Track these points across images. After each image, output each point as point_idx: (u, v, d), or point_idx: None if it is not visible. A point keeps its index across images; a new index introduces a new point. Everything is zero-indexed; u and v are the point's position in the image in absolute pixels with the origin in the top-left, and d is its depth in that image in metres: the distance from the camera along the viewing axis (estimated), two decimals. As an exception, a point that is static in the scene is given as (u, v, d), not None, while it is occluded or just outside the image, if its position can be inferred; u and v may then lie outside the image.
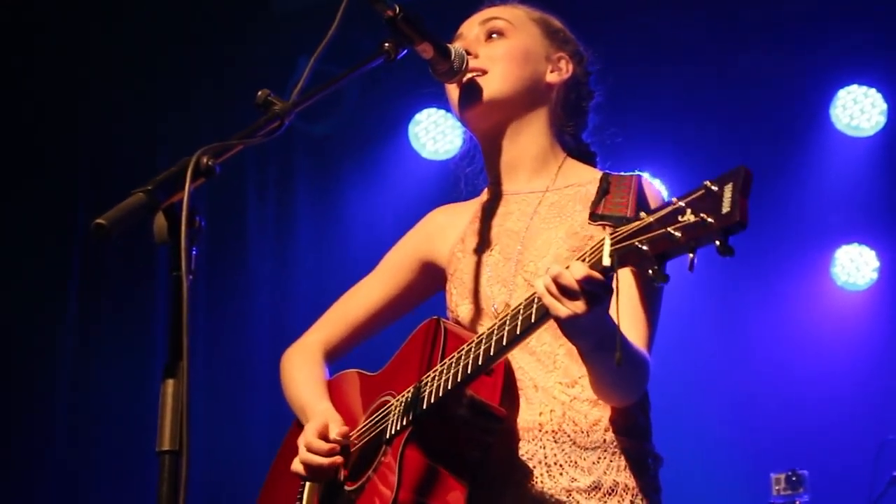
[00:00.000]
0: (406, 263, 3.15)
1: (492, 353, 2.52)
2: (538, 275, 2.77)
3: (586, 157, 3.05)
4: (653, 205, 2.46)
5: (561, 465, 2.68)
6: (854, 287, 6.50)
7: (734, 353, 6.42)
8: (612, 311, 2.40)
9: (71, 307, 6.38)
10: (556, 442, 2.69)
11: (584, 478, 2.67)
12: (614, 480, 2.68)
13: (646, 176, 6.70)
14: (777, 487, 5.76)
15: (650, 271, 2.18)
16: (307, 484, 3.00)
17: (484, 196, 3.06)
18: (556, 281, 2.33)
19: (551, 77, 2.98)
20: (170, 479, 1.99)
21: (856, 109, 6.47)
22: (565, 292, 2.33)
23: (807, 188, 6.40)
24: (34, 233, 6.27)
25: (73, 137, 6.54)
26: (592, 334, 2.44)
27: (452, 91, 2.95)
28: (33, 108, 6.35)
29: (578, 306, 2.33)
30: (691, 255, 2.13)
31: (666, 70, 6.41)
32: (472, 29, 3.00)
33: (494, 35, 2.97)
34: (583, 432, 2.70)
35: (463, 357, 2.58)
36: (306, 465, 2.85)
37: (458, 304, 2.91)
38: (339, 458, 2.84)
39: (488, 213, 2.98)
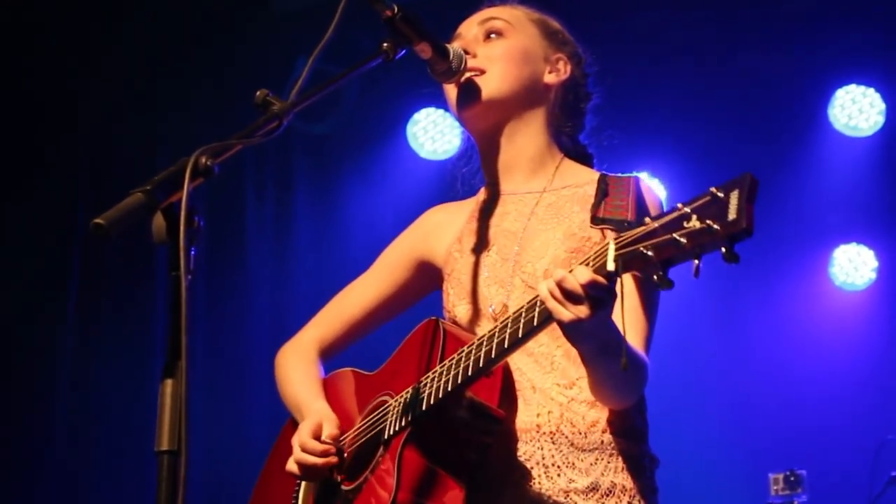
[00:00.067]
0: (402, 262, 3.15)
1: (493, 356, 2.52)
2: (536, 276, 2.78)
3: (583, 159, 3.05)
4: (651, 208, 2.48)
5: (559, 467, 2.68)
6: (852, 287, 6.49)
7: (732, 353, 6.42)
8: (615, 315, 2.41)
9: (71, 307, 6.38)
10: (553, 443, 2.70)
11: (581, 479, 2.67)
12: (612, 481, 2.68)
13: (644, 177, 6.75)
14: (775, 487, 5.76)
15: (655, 277, 2.18)
16: (302, 483, 3.00)
17: (481, 195, 3.05)
18: (559, 285, 2.34)
19: (549, 78, 2.99)
20: (168, 478, 2.00)
21: (854, 109, 6.46)
22: (569, 296, 2.33)
23: (805, 188, 6.40)
24: (34, 233, 6.27)
25: (73, 137, 6.54)
26: (595, 338, 2.45)
27: (450, 91, 2.95)
28: (33, 108, 6.35)
29: (582, 310, 2.33)
30: (696, 261, 2.13)
31: (664, 70, 6.41)
32: (470, 29, 3.00)
33: (493, 35, 2.97)
34: (580, 433, 2.70)
35: (463, 359, 2.58)
36: (301, 465, 2.86)
37: (455, 305, 2.91)
38: (333, 459, 2.84)
39: (485, 213, 2.98)
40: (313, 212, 6.82)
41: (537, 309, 2.44)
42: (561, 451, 2.69)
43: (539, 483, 2.68)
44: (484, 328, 2.80)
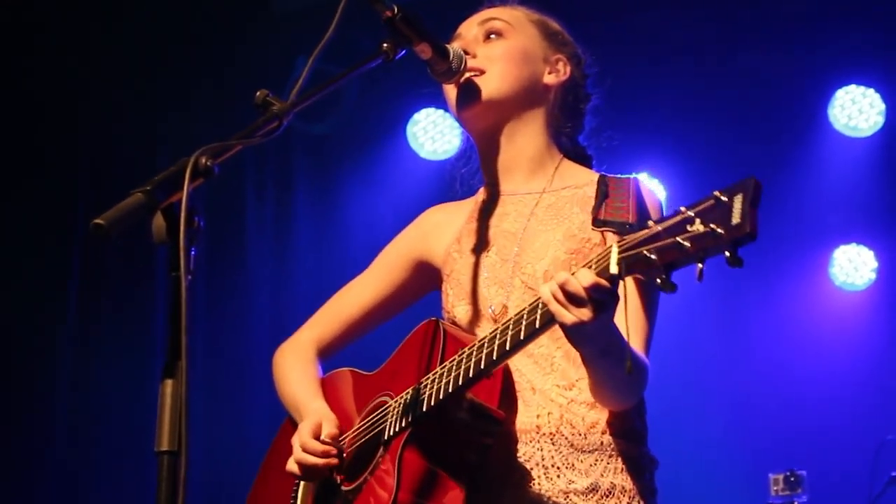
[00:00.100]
0: (401, 262, 3.15)
1: (494, 358, 2.52)
2: (536, 277, 2.79)
3: (582, 159, 3.05)
4: (651, 209, 2.48)
5: (558, 468, 2.68)
6: (852, 287, 6.49)
7: (732, 353, 6.42)
8: (617, 318, 2.42)
9: (71, 307, 6.38)
10: (553, 444, 2.70)
11: (581, 480, 2.68)
12: (611, 482, 2.69)
13: (644, 177, 6.73)
14: (775, 488, 5.76)
15: (658, 280, 2.18)
16: (301, 483, 3.00)
17: (480, 196, 3.05)
18: (562, 288, 2.34)
19: (549, 78, 2.99)
20: (169, 479, 2.00)
21: (854, 110, 6.46)
22: (572, 299, 2.34)
23: (805, 188, 6.39)
24: (34, 233, 6.27)
25: (73, 137, 6.54)
26: (597, 341, 2.45)
27: (450, 91, 2.95)
28: (33, 108, 6.34)
29: (585, 313, 2.33)
30: (700, 265, 2.13)
31: (664, 70, 6.41)
32: (470, 29, 3.01)
33: (493, 35, 2.98)
34: (580, 435, 2.71)
35: (464, 360, 2.58)
36: (301, 465, 2.86)
37: (455, 305, 2.91)
38: (334, 460, 2.84)
39: (485, 213, 2.98)
40: (313, 212, 6.82)
41: (539, 311, 2.43)
42: (561, 453, 2.69)
43: (539, 484, 2.68)
44: (483, 329, 2.81)
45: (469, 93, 2.91)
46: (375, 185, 6.74)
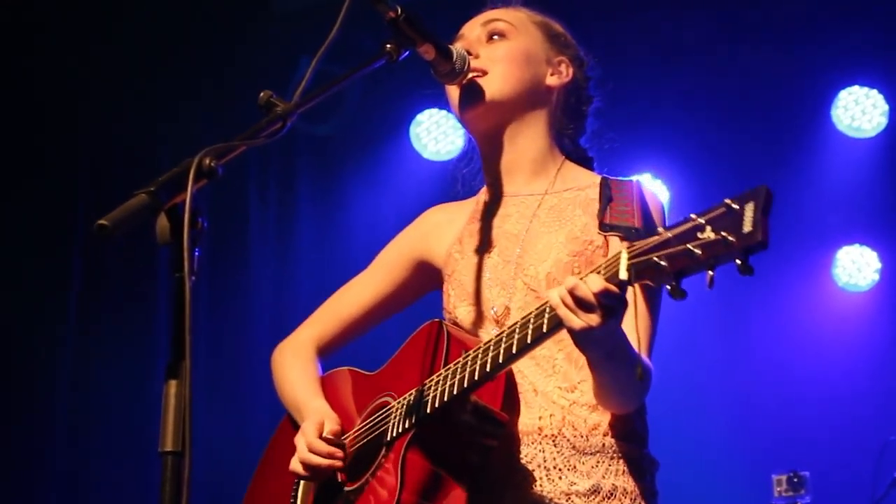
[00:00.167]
0: (401, 262, 3.15)
1: (500, 361, 2.52)
2: (538, 279, 2.79)
3: (584, 161, 3.05)
4: (654, 213, 2.51)
5: (560, 469, 2.68)
6: (855, 288, 6.49)
7: (735, 354, 6.42)
8: (624, 323, 2.42)
9: (71, 307, 6.37)
10: (555, 446, 2.70)
11: (583, 481, 2.68)
12: (613, 484, 2.69)
13: (647, 178, 6.72)
14: (778, 489, 5.77)
15: (668, 287, 2.18)
16: (301, 483, 2.99)
17: (481, 196, 3.06)
18: (571, 293, 2.34)
19: (551, 80, 2.99)
20: (172, 479, 2.00)
21: (857, 110, 6.46)
22: (581, 304, 2.34)
23: (808, 189, 6.39)
24: (34, 233, 6.27)
25: (73, 137, 6.54)
26: (604, 346, 2.46)
27: (453, 92, 2.95)
28: (33, 108, 6.34)
29: (593, 319, 2.33)
30: (711, 272, 2.12)
31: (667, 71, 6.42)
32: (473, 30, 3.01)
33: (496, 36, 2.98)
34: (582, 437, 2.71)
35: (469, 363, 2.58)
36: (306, 465, 2.85)
37: (456, 306, 2.90)
38: (339, 462, 2.84)
39: (486, 214, 2.98)
40: (316, 212, 6.82)
41: (546, 315, 2.43)
42: (562, 454, 2.69)
43: (540, 485, 2.68)
44: (485, 330, 2.81)
45: (472, 94, 2.91)
46: (378, 185, 6.74)
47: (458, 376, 2.58)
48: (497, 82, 2.90)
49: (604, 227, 2.39)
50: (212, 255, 6.24)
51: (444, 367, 2.65)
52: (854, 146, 6.51)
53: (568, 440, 2.70)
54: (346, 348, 3.23)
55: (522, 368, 2.73)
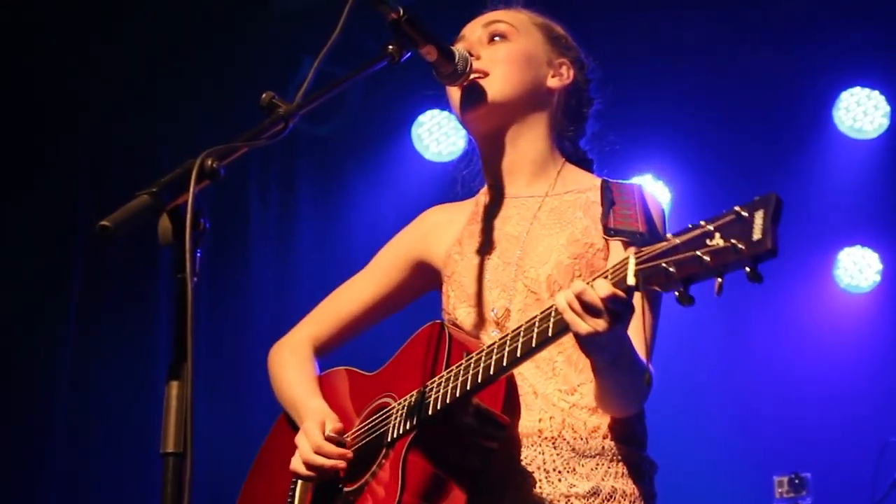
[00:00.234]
0: (399, 262, 3.14)
1: (504, 364, 2.52)
2: (539, 281, 2.79)
3: (584, 163, 3.05)
4: (656, 218, 2.53)
5: (559, 472, 2.69)
6: (857, 289, 6.49)
7: (737, 355, 6.42)
8: (629, 328, 2.43)
9: (72, 307, 6.37)
10: (555, 448, 2.70)
11: (582, 484, 2.68)
12: (612, 486, 2.69)
13: (648, 179, 6.71)
14: (780, 490, 5.78)
15: (676, 293, 2.18)
16: (299, 482, 2.98)
17: (480, 197, 3.06)
18: (579, 297, 2.34)
19: (552, 82, 2.99)
20: (174, 480, 2.00)
21: (859, 112, 6.47)
22: (588, 309, 2.34)
23: (809, 190, 6.39)
24: (35, 233, 6.26)
25: (73, 137, 6.53)
26: (609, 351, 2.46)
27: (454, 93, 2.95)
28: (33, 108, 6.34)
29: (600, 324, 2.34)
30: (719, 279, 2.12)
31: (668, 72, 6.42)
32: (474, 31, 3.01)
33: (497, 38, 2.98)
34: (582, 439, 2.71)
35: (472, 365, 2.57)
36: (309, 465, 2.84)
37: (456, 308, 2.90)
38: (343, 463, 2.83)
39: (487, 215, 2.98)
40: (317, 213, 6.82)
41: (552, 319, 2.43)
42: (562, 456, 2.70)
43: (540, 488, 2.68)
44: (485, 332, 2.82)
45: (473, 95, 2.91)
46: (379, 186, 6.74)
47: (460, 378, 2.58)
48: (498, 84, 2.90)
49: (608, 231, 2.40)
50: (212, 255, 6.23)
51: (445, 368, 2.65)
52: (855, 147, 6.51)
53: (568, 442, 2.70)
54: (345, 348, 3.22)
55: (522, 371, 2.72)
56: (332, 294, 3.23)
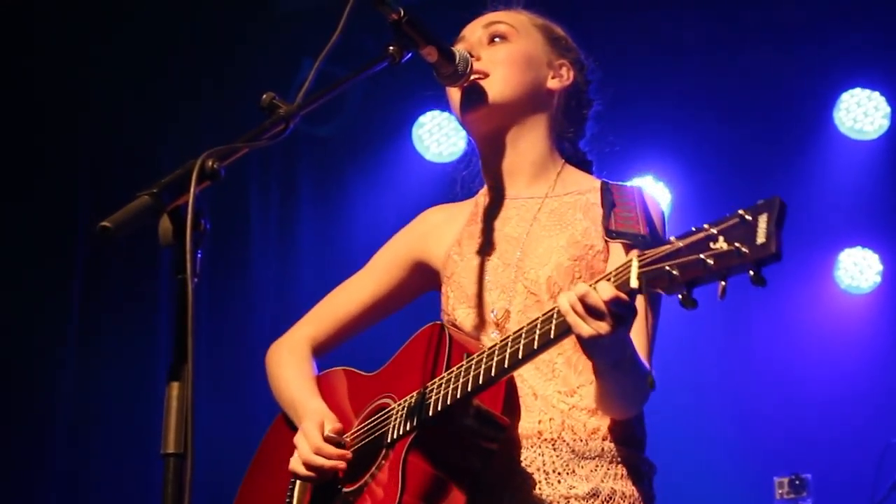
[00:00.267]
0: (398, 262, 3.14)
1: (506, 366, 2.52)
2: (539, 282, 2.79)
3: (583, 165, 3.06)
4: (656, 220, 2.54)
5: (559, 473, 2.69)
6: (857, 290, 6.49)
7: (737, 356, 6.42)
8: (632, 331, 2.44)
9: (73, 307, 6.36)
10: (554, 449, 2.71)
11: (582, 485, 2.68)
12: (612, 488, 2.69)
13: (649, 180, 6.69)
14: (780, 491, 5.78)
15: (679, 296, 2.18)
16: (297, 482, 2.97)
17: (480, 198, 3.06)
18: (582, 300, 2.34)
19: (552, 83, 2.99)
20: (175, 481, 2.00)
21: (859, 112, 6.47)
22: (591, 312, 2.34)
23: (810, 191, 6.38)
24: (35, 233, 6.26)
25: (73, 137, 6.53)
26: (611, 353, 2.46)
27: (454, 94, 2.95)
28: (33, 108, 6.33)
29: (603, 327, 2.34)
30: (723, 282, 2.12)
31: (668, 73, 6.42)
32: (474, 32, 3.01)
33: (497, 39, 2.98)
34: (581, 441, 2.71)
35: (473, 367, 2.57)
36: (309, 465, 2.84)
37: (455, 308, 2.90)
38: (343, 464, 2.83)
39: (486, 216, 2.98)
40: (317, 214, 6.81)
41: (554, 321, 2.43)
42: (562, 458, 2.70)
43: (540, 489, 2.68)
44: (485, 333, 2.82)
45: (473, 96, 2.91)
46: (380, 187, 6.74)
47: (461, 380, 2.58)
48: (498, 85, 2.91)
49: (610, 233, 2.40)
50: (213, 256, 6.23)
51: (446, 370, 2.65)
52: (856, 148, 6.51)
53: (567, 444, 2.70)
54: (344, 348, 3.22)
55: (522, 372, 2.72)
56: (331, 294, 3.23)
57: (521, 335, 2.50)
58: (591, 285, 2.34)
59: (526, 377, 2.74)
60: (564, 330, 2.40)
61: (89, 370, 6.26)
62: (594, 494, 2.67)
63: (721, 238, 2.11)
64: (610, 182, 2.67)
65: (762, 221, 2.07)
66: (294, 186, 6.84)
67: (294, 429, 2.96)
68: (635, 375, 2.53)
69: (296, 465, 2.87)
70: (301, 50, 6.21)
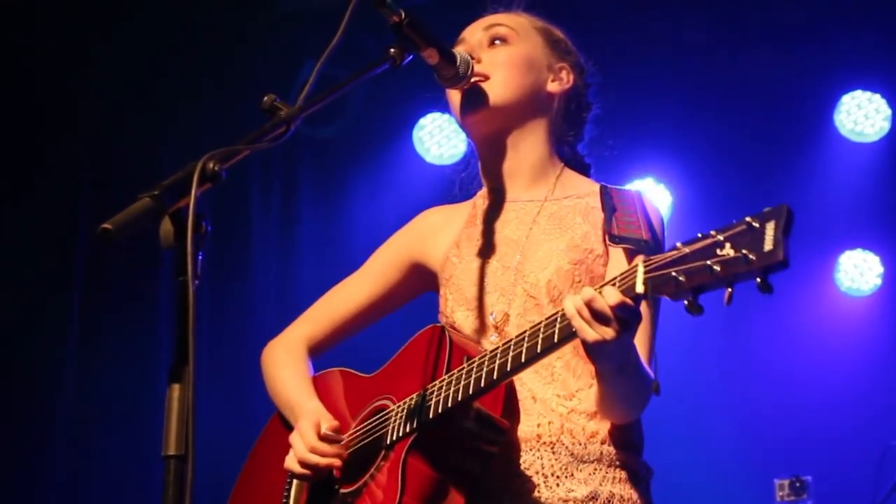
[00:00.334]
0: (395, 263, 3.14)
1: (508, 369, 2.52)
2: (539, 286, 2.79)
3: (582, 168, 3.06)
4: (655, 225, 2.54)
5: (558, 476, 2.69)
6: (858, 293, 6.49)
7: (738, 358, 6.42)
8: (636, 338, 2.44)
9: (73, 308, 6.36)
10: (553, 453, 2.71)
11: (580, 488, 2.68)
12: (610, 491, 2.70)
13: (649, 183, 6.68)
14: (781, 493, 5.78)
15: (685, 302, 2.18)
16: (294, 483, 2.97)
17: (478, 200, 3.06)
18: (589, 305, 2.34)
19: (552, 86, 2.99)
20: (175, 483, 2.00)
21: (860, 115, 6.46)
22: (597, 317, 2.34)
23: (811, 193, 6.38)
24: (36, 233, 6.25)
25: (73, 137, 6.52)
26: (616, 359, 2.46)
27: (454, 96, 2.94)
28: (33, 108, 6.33)
29: (608, 332, 2.34)
30: (729, 289, 2.13)
31: (669, 75, 6.42)
32: (475, 34, 3.01)
33: (497, 41, 2.98)
34: (580, 444, 2.71)
35: (475, 370, 2.57)
36: (304, 464, 2.83)
37: (454, 311, 2.90)
38: (339, 461, 2.82)
39: (485, 219, 2.98)
40: (318, 216, 6.81)
41: (558, 325, 2.43)
42: (560, 461, 2.70)
43: (539, 492, 2.68)
44: (485, 336, 2.82)
45: (474, 98, 2.91)
46: (381, 189, 6.73)
47: (462, 382, 2.58)
48: (499, 87, 2.90)
49: (613, 238, 2.40)
50: (214, 258, 6.23)
51: (446, 372, 2.65)
52: (856, 150, 6.51)
53: (566, 447, 2.70)
54: (341, 349, 3.22)
55: (521, 376, 2.71)
56: (327, 294, 3.23)
57: (523, 338, 2.50)
58: (596, 290, 2.34)
59: (525, 381, 2.74)
60: (568, 334, 2.40)
61: (89, 370, 6.25)
62: (593, 498, 2.67)
63: (728, 245, 2.11)
64: (609, 186, 2.67)
65: (769, 229, 2.07)
66: (295, 188, 6.84)
67: (290, 429, 2.96)
68: (637, 380, 2.54)
69: (291, 462, 2.86)
70: (301, 50, 6.21)
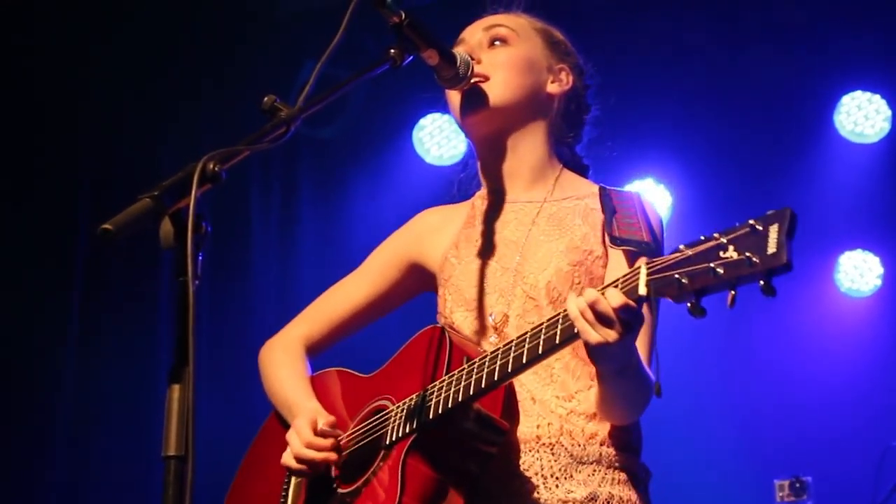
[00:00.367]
0: (394, 263, 3.14)
1: (509, 370, 2.51)
2: (538, 287, 2.79)
3: (580, 169, 3.06)
4: (655, 227, 2.54)
5: (557, 478, 2.69)
6: (858, 293, 6.49)
7: (737, 359, 6.41)
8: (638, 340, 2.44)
9: (73, 308, 6.36)
10: (552, 454, 2.71)
11: (580, 489, 2.68)
12: (609, 493, 2.70)
13: (648, 184, 6.67)
14: (781, 494, 5.78)
15: (688, 304, 2.18)
16: (292, 481, 2.97)
17: (476, 200, 3.05)
18: (592, 307, 2.34)
19: (552, 88, 3.00)
20: (175, 483, 2.00)
21: (860, 116, 6.46)
22: (600, 318, 2.34)
23: (811, 194, 6.38)
24: (36, 233, 6.25)
25: (73, 137, 6.52)
26: (618, 361, 2.47)
27: (454, 97, 2.94)
28: (33, 109, 6.33)
29: (611, 334, 2.34)
30: (732, 291, 2.12)
31: (669, 76, 6.41)
32: (474, 34, 3.01)
33: (497, 42, 2.98)
34: (579, 445, 2.72)
35: (475, 370, 2.57)
36: (300, 459, 2.83)
37: (453, 311, 2.90)
38: (334, 456, 2.82)
39: (485, 220, 2.98)
40: (318, 216, 6.80)
41: (560, 326, 2.43)
42: (560, 463, 2.70)
43: (538, 493, 2.68)
44: (484, 337, 2.82)
45: (473, 99, 2.91)
46: (381, 190, 6.73)
47: (463, 383, 2.57)
48: (499, 88, 2.91)
49: (614, 240, 2.40)
50: (214, 258, 6.23)
51: (446, 373, 2.64)
52: (856, 151, 6.50)
53: (565, 448, 2.71)
54: (339, 349, 3.22)
55: (520, 377, 2.71)
56: (325, 294, 3.24)
57: (524, 339, 2.50)
58: (600, 291, 2.34)
59: (524, 382, 2.74)
60: (570, 335, 2.40)
61: (89, 370, 6.25)
62: (592, 499, 2.67)
63: (731, 247, 2.11)
64: (607, 187, 2.66)
65: (773, 231, 2.07)
66: (295, 189, 6.84)
67: (287, 428, 2.95)
68: (638, 382, 2.54)
69: (287, 458, 2.86)
70: (302, 51, 6.21)
